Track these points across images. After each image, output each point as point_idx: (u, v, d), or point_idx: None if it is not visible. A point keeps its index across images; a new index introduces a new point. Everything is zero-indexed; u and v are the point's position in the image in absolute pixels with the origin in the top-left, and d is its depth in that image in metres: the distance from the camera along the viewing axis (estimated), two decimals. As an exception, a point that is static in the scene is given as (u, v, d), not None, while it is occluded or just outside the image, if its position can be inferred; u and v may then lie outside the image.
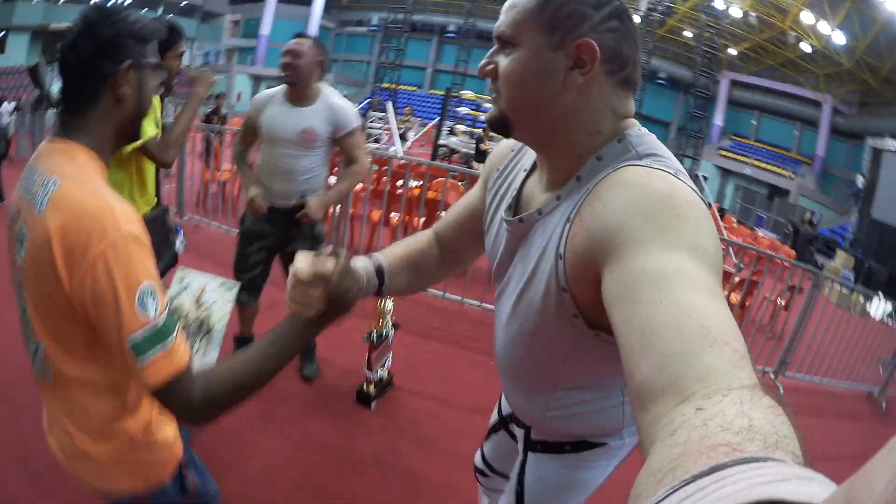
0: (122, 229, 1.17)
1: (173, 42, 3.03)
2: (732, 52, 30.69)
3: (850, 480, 0.35)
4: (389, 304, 3.98)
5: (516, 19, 1.12)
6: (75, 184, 1.22)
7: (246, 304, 3.89)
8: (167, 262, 3.24)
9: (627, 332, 0.80)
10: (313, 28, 37.86)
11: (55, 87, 29.77)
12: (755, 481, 0.42)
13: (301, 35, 3.47)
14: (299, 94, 3.45)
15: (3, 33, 29.88)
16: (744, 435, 0.53)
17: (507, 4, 1.16)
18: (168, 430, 1.50)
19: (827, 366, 6.54)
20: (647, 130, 1.16)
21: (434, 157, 18.06)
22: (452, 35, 37.15)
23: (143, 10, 33.96)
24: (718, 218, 16.60)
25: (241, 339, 4.13)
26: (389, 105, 18.87)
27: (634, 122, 1.17)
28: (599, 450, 1.47)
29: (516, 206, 1.35)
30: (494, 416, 1.91)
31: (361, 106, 19.96)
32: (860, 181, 22.92)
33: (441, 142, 18.21)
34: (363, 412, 3.93)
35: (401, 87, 34.52)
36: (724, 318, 0.75)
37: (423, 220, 6.90)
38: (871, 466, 0.34)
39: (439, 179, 9.04)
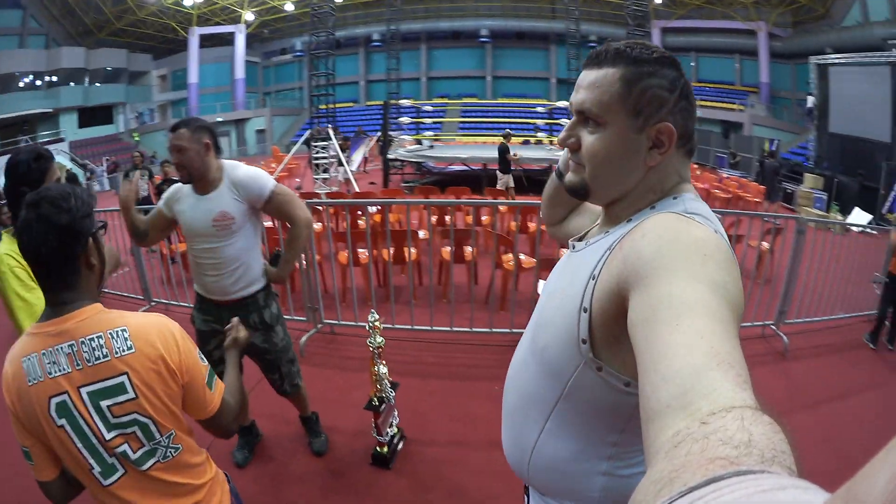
0: (179, 335, 1.72)
1: (45, 171, 2.72)
2: (658, 0, 30.83)
3: (850, 482, 0.37)
4: (384, 368, 3.84)
5: (602, 100, 1.20)
6: (139, 324, 1.64)
7: None
8: None
9: (645, 349, 0.85)
10: (239, 66, 37.77)
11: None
12: (752, 490, 0.45)
13: (177, 126, 3.14)
14: (201, 183, 3.21)
15: None
16: (742, 449, 0.54)
17: (588, 80, 1.24)
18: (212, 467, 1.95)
19: (826, 301, 6.63)
20: (699, 197, 1.26)
21: (386, 172, 18.08)
22: (378, 44, 37.11)
23: (71, 84, 33.89)
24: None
25: (241, 429, 4.07)
26: (331, 131, 18.70)
27: (691, 187, 1.28)
28: None
29: (581, 239, 1.45)
30: None
31: (299, 136, 19.90)
32: (810, 101, 23.02)
33: (391, 155, 18.13)
34: (383, 475, 3.80)
35: (339, 105, 34.63)
36: (733, 347, 0.80)
37: (391, 250, 6.75)
38: (871, 467, 0.36)
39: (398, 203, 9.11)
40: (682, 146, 1.24)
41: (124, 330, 1.59)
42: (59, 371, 1.55)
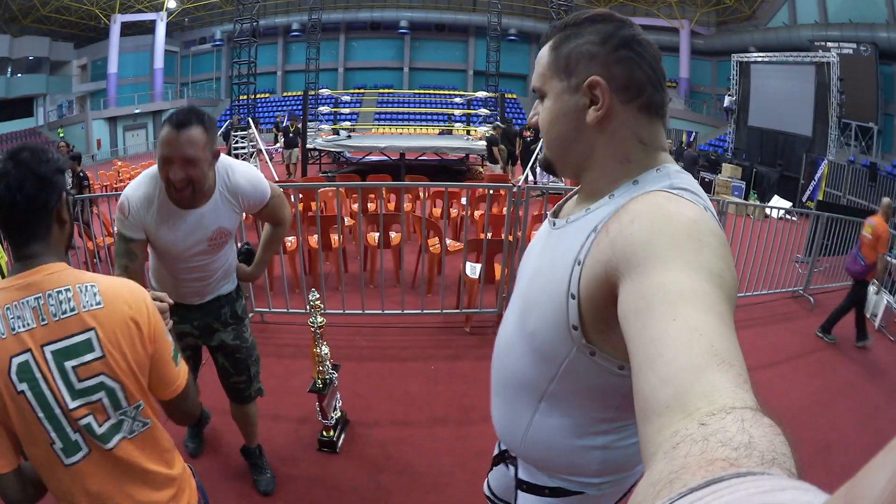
0: (150, 302, 1.66)
1: None
2: None
3: (850, 482, 0.37)
4: (325, 349, 3.76)
5: (540, 72, 1.27)
6: (110, 282, 1.60)
7: None
8: None
9: (640, 343, 0.83)
10: (159, 55, 36.69)
11: None
12: (752, 491, 0.44)
13: (183, 123, 2.33)
14: (197, 198, 2.56)
15: None
16: (742, 451, 0.54)
17: (536, 60, 1.31)
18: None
19: (750, 280, 7.24)
20: (683, 170, 1.20)
21: (305, 162, 18.18)
22: (298, 34, 36.52)
23: None
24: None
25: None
26: (251, 121, 18.52)
27: (672, 159, 1.23)
28: (576, 498, 1.44)
29: (558, 213, 1.42)
30: (496, 448, 1.85)
31: (221, 127, 19.62)
32: (728, 100, 24.49)
33: (310, 145, 18.16)
34: (332, 459, 3.77)
35: (257, 95, 34.11)
36: (732, 343, 0.77)
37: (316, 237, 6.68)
38: (871, 466, 0.35)
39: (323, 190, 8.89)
40: (631, 100, 1.17)
41: (93, 285, 1.54)
42: (24, 326, 1.47)
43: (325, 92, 23.03)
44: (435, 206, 9.72)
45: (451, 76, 38.29)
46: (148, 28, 36.37)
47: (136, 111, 36.09)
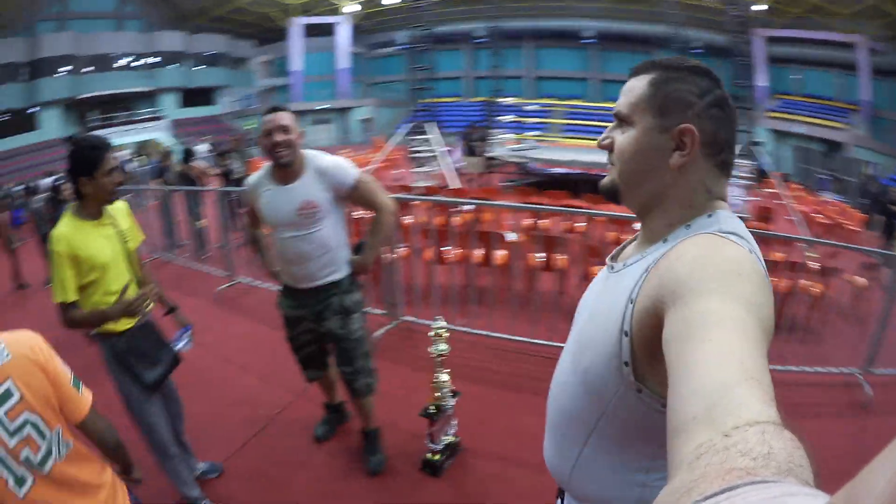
0: (44, 345, 1.95)
1: (99, 160, 2.91)
2: (759, 7, 29.30)
3: (851, 482, 0.38)
4: (444, 376, 3.81)
5: (631, 101, 1.30)
6: (11, 336, 1.90)
7: (314, 378, 4.01)
8: (165, 368, 3.32)
9: (677, 364, 0.87)
10: (343, 56, 38.49)
11: None
12: (764, 496, 0.47)
13: (276, 108, 3.24)
14: (288, 171, 3.24)
15: (35, 110, 32.08)
16: (761, 461, 0.56)
17: (625, 87, 1.34)
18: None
19: None
20: (735, 216, 1.26)
21: (486, 170, 17.91)
22: (482, 40, 36.80)
23: (174, 66, 35.44)
24: (780, 186, 16.02)
25: (329, 406, 4.37)
26: (433, 126, 18.72)
27: (726, 205, 1.29)
28: None
29: (616, 257, 1.48)
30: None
31: (400, 128, 19.89)
32: None
33: (489, 154, 17.88)
34: (430, 483, 3.80)
35: (441, 99, 34.57)
36: (762, 365, 0.81)
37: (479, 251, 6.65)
38: (872, 467, 0.37)
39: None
40: (712, 156, 1.26)
41: (1, 344, 1.82)
42: None
43: (507, 100, 22.95)
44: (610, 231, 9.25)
45: None
46: (330, 30, 39.00)
47: (324, 106, 38.67)
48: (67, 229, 2.87)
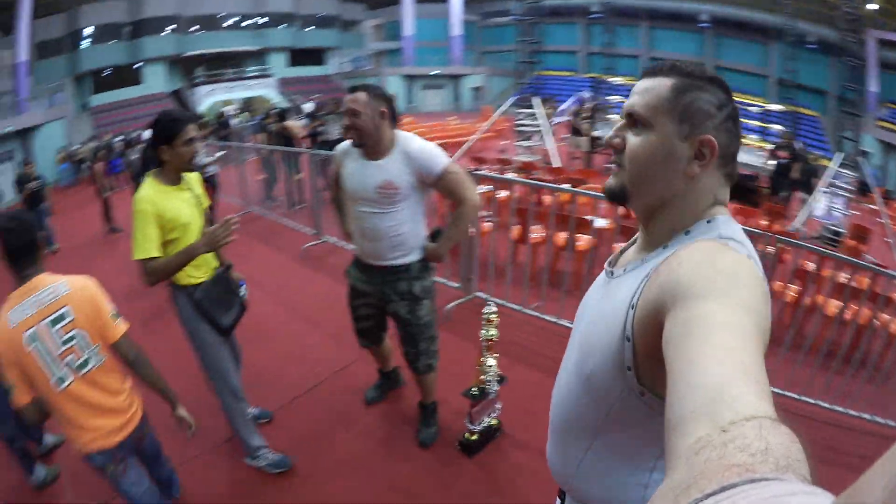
0: (95, 287, 2.79)
1: (177, 132, 3.13)
2: (872, 6, 26.92)
3: (852, 487, 0.39)
4: (491, 361, 3.82)
5: (651, 103, 1.27)
6: (73, 278, 2.73)
7: (367, 346, 4.14)
8: (237, 313, 3.55)
9: (676, 362, 0.88)
10: (456, 23, 38.40)
11: (203, 106, 33.46)
12: (764, 495, 0.47)
13: (356, 88, 3.24)
14: (372, 149, 3.26)
15: (138, 65, 33.52)
16: (759, 457, 0.56)
17: (640, 86, 1.32)
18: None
19: None
20: (732, 220, 1.29)
21: (590, 151, 17.17)
22: (597, 15, 35.60)
23: (282, 26, 36.39)
24: (881, 203, 14.85)
25: (382, 373, 4.51)
26: (537, 100, 18.36)
27: (725, 209, 1.31)
28: None
29: (615, 263, 1.50)
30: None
31: (511, 99, 19.56)
32: None
33: (596, 133, 17.06)
34: (463, 462, 3.85)
35: (553, 72, 34.03)
36: (760, 365, 0.82)
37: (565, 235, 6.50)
38: (870, 473, 0.37)
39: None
40: (723, 167, 1.29)
41: (65, 282, 2.63)
42: (29, 314, 2.50)
43: (616, 80, 22.25)
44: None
45: (752, 81, 33.36)
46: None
47: (436, 72, 38.71)
48: (151, 191, 3.10)
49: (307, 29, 39.77)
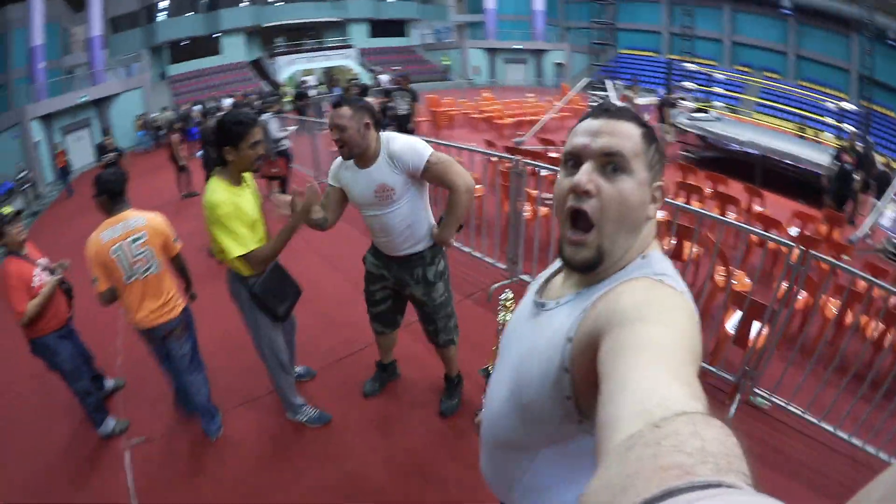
0: (164, 220, 4.20)
1: (242, 135, 3.42)
2: None
3: (855, 497, 0.42)
4: None
5: (633, 149, 1.25)
6: (148, 213, 4.10)
7: (381, 333, 4.34)
8: (291, 302, 3.99)
9: (610, 371, 0.91)
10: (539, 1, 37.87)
11: (283, 75, 34.49)
12: None
13: (339, 104, 3.37)
14: (361, 158, 3.45)
15: (217, 35, 34.40)
16: (697, 457, 0.56)
17: (610, 127, 1.27)
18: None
19: None
20: (664, 256, 1.33)
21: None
22: None
23: None
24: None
25: (380, 365, 4.73)
26: (609, 83, 17.69)
27: (656, 245, 1.35)
28: None
29: (542, 292, 1.51)
30: None
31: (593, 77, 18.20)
32: None
33: (672, 122, 15.98)
34: (474, 438, 4.02)
35: (634, 51, 33.14)
36: (692, 375, 0.86)
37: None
38: (872, 485, 0.40)
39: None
40: (662, 206, 1.36)
41: (143, 216, 3.99)
42: (117, 234, 3.83)
43: (689, 65, 20.94)
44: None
45: (833, 73, 30.16)
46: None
47: (517, 47, 38.23)
48: (223, 193, 3.40)
49: (386, 0, 39.75)
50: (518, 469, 1.48)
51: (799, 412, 4.43)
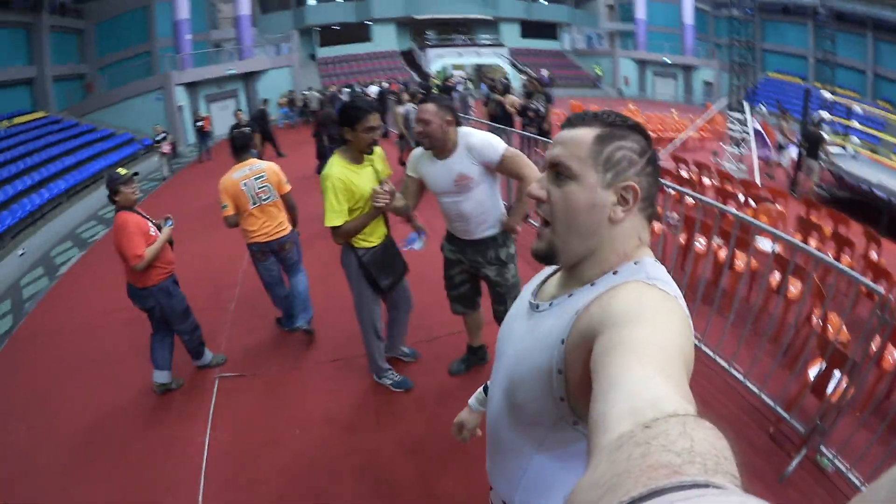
0: (279, 168, 5.72)
1: (358, 118, 3.85)
2: None
3: (858, 496, 0.44)
4: None
5: (576, 154, 1.29)
6: (267, 162, 5.73)
7: (463, 314, 4.64)
8: (397, 276, 4.42)
9: (602, 371, 0.93)
10: (688, 11, 37.01)
11: (434, 67, 35.27)
12: None
13: (425, 100, 3.73)
14: (441, 150, 3.74)
15: (367, 23, 35.52)
16: (685, 456, 0.55)
17: (564, 136, 1.34)
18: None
19: None
20: (658, 263, 1.33)
21: (796, 173, 14.47)
22: (821, 18, 29.57)
23: None
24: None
25: (470, 348, 5.03)
26: (747, 106, 16.61)
27: (650, 251, 1.36)
28: None
29: (538, 294, 1.53)
30: None
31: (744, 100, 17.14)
32: None
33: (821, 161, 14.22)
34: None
35: (781, 76, 31.40)
36: (683, 377, 0.88)
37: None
38: (876, 484, 0.42)
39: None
40: (644, 209, 1.32)
41: (265, 163, 5.56)
42: (245, 173, 5.38)
43: (828, 94, 19.15)
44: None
45: None
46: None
47: (666, 60, 37.39)
48: (338, 168, 3.89)
49: (540, 1, 39.66)
50: (519, 470, 1.51)
51: (857, 482, 3.75)
